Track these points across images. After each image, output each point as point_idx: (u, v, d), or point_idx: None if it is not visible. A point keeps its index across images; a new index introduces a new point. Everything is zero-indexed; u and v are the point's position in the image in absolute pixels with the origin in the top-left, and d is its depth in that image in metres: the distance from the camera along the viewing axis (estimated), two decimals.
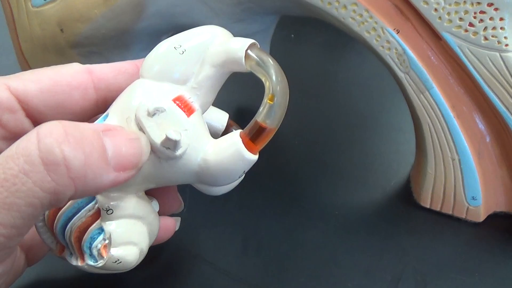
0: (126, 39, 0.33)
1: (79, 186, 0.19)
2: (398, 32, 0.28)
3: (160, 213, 0.26)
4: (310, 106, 0.41)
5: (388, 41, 0.28)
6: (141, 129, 0.21)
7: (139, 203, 0.23)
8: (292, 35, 0.49)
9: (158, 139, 0.21)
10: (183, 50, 0.22)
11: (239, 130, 0.22)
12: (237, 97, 0.42)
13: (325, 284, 0.28)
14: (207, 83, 0.23)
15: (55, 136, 0.19)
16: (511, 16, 0.26)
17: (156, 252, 0.29)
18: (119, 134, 0.21)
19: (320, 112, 0.40)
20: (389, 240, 0.30)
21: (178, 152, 0.21)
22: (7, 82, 0.22)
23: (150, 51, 0.38)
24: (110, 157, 0.20)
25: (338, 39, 0.47)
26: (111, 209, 0.22)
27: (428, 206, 0.31)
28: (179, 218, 0.28)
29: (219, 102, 0.42)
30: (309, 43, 0.48)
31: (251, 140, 0.21)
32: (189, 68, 0.23)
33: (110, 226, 0.22)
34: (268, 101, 0.21)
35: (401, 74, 0.28)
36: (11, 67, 0.39)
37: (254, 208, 0.32)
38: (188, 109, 0.22)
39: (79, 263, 0.23)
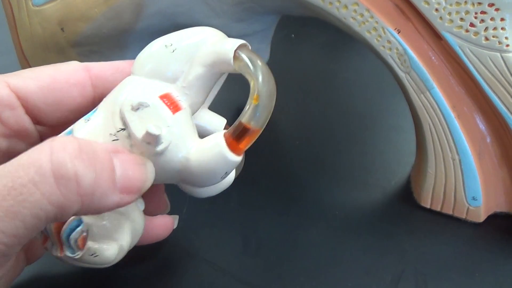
0: (127, 39, 0.33)
1: (85, 203, 0.19)
2: (399, 32, 0.28)
3: (147, 213, 0.26)
4: (310, 105, 0.41)
5: (389, 41, 0.28)
6: (125, 123, 0.21)
7: None
8: (293, 35, 0.49)
9: (139, 133, 0.21)
10: (174, 49, 0.23)
11: (224, 131, 0.22)
12: (237, 97, 0.42)
13: (325, 284, 0.28)
14: (197, 82, 0.23)
15: (69, 151, 0.19)
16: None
17: (155, 251, 0.29)
18: (127, 157, 0.21)
19: (320, 111, 0.40)
20: (389, 240, 0.30)
21: (159, 148, 0.21)
22: (7, 80, 0.23)
23: None
24: (117, 178, 0.20)
25: (339, 39, 0.47)
26: None
27: (428, 206, 0.31)
28: (177, 216, 0.28)
29: (219, 102, 0.42)
30: (309, 43, 0.48)
31: (235, 140, 0.21)
32: (179, 67, 0.23)
33: (89, 218, 0.22)
34: (253, 101, 0.21)
35: (401, 74, 0.28)
36: (12, 66, 0.39)
37: (254, 208, 0.32)
38: (174, 107, 0.22)
39: (59, 253, 0.23)
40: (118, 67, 0.25)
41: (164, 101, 0.22)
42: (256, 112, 0.21)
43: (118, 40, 0.33)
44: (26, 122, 0.23)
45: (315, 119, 0.39)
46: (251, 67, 0.22)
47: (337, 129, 0.38)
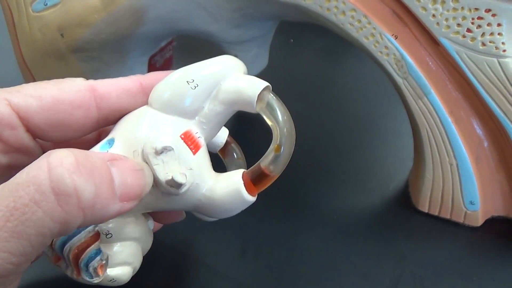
0: (126, 44, 0.33)
1: (88, 216, 0.19)
2: (397, 38, 0.28)
3: (163, 222, 0.27)
4: (309, 110, 0.41)
5: (386, 47, 0.28)
6: (148, 165, 0.21)
7: (136, 226, 0.23)
8: (291, 40, 0.49)
9: (163, 177, 0.21)
10: (196, 85, 0.22)
11: (242, 170, 0.22)
12: None
13: None
14: (216, 118, 0.23)
15: (66, 166, 0.18)
16: (508, 22, 0.26)
17: (155, 255, 0.29)
18: (125, 165, 0.20)
19: (319, 116, 0.40)
20: (387, 244, 0.30)
21: (182, 191, 0.21)
22: (9, 98, 0.22)
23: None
24: (116, 187, 0.20)
25: (337, 44, 0.48)
26: (110, 233, 0.22)
27: (426, 211, 0.31)
28: None
29: None
30: (308, 48, 0.48)
31: (252, 182, 0.22)
32: (200, 103, 0.22)
33: (108, 248, 0.23)
34: (274, 150, 0.21)
35: (399, 80, 0.29)
36: (12, 72, 0.39)
37: (253, 212, 0.32)
38: (194, 146, 0.22)
39: (74, 275, 0.23)
40: (124, 88, 0.24)
41: (185, 141, 0.22)
42: (276, 161, 0.21)
43: (118, 46, 0.33)
44: (26, 140, 0.23)
45: (313, 123, 0.39)
46: (274, 114, 0.22)
47: (335, 134, 0.38)
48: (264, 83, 0.22)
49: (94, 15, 0.31)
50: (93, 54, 0.33)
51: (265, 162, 0.21)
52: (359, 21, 0.28)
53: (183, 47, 0.45)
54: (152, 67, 0.39)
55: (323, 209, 0.32)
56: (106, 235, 0.22)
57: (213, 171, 0.23)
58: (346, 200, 0.33)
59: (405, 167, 0.34)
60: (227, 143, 0.27)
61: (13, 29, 0.34)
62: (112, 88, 0.24)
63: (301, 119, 0.41)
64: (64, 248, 0.23)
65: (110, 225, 0.22)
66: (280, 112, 0.22)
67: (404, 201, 0.32)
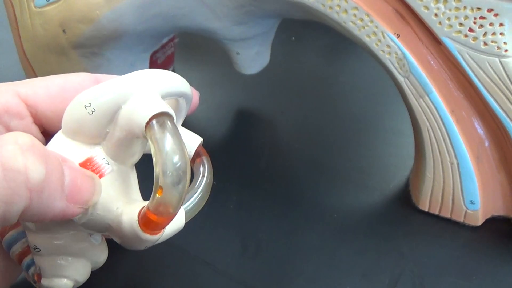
0: (128, 41, 0.33)
1: (34, 200, 0.18)
2: (398, 37, 0.28)
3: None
4: (310, 108, 0.41)
5: (388, 46, 0.28)
6: None
7: (72, 242, 0.22)
8: (293, 38, 0.49)
9: None
10: (93, 110, 0.20)
11: (142, 205, 0.20)
12: (237, 100, 0.42)
13: (323, 286, 0.28)
14: (122, 144, 0.21)
15: (20, 143, 0.18)
16: (510, 22, 0.26)
17: (154, 253, 0.30)
18: (76, 167, 0.20)
19: (320, 115, 0.40)
20: (387, 243, 0.30)
21: (75, 220, 0.20)
22: (17, 89, 0.22)
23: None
24: (66, 184, 0.19)
25: (339, 42, 0.48)
26: (38, 248, 0.22)
27: (426, 210, 0.31)
28: None
29: (220, 103, 0.43)
30: (310, 46, 0.48)
31: (146, 223, 0.20)
32: (101, 128, 0.21)
33: (40, 260, 0.22)
34: (157, 194, 0.19)
35: (401, 79, 0.29)
36: (13, 67, 0.39)
37: (253, 210, 0.32)
38: (96, 174, 0.21)
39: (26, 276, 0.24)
40: None
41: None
42: (160, 206, 0.19)
43: (119, 42, 0.33)
44: (34, 131, 0.23)
45: (314, 122, 0.39)
46: (159, 147, 0.19)
47: (337, 132, 0.38)
48: (158, 108, 0.19)
49: (96, 11, 0.31)
50: (95, 50, 0.33)
51: (148, 206, 0.19)
52: (361, 19, 0.28)
53: (184, 44, 0.45)
54: (154, 63, 0.40)
55: (323, 207, 0.32)
56: (35, 249, 0.22)
57: (132, 197, 0.21)
58: (346, 198, 0.33)
59: (405, 166, 0.35)
60: (195, 155, 0.25)
61: (15, 25, 0.34)
62: None
63: (302, 117, 0.41)
64: (10, 253, 0.23)
65: (38, 241, 0.22)
66: (166, 146, 0.19)
67: (404, 200, 0.32)
